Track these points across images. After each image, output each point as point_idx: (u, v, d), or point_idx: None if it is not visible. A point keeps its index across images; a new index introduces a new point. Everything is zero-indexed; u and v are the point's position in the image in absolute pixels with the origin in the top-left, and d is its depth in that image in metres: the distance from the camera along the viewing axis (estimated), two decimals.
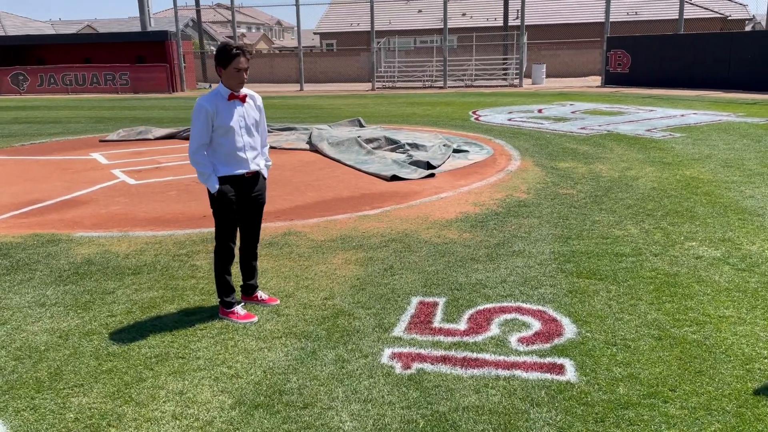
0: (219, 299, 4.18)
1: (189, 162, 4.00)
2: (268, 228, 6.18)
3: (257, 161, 4.13)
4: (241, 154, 4.01)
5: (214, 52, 3.93)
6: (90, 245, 5.73)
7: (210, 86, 34.91)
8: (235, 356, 3.61)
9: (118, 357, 3.61)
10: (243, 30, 66.34)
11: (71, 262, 5.26)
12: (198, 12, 38.41)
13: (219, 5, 60.61)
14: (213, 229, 6.12)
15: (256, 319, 4.08)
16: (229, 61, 3.83)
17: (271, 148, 11.46)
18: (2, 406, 3.13)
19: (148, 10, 34.04)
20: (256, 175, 4.15)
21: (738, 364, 3.34)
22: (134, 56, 31.10)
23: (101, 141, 12.98)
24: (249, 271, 4.37)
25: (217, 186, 3.94)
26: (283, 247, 5.57)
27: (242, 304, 4.24)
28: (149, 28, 33.23)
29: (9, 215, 6.98)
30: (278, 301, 4.36)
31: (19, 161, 10.80)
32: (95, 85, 30.77)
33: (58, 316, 4.18)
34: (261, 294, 4.40)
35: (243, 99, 4.00)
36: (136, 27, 41.79)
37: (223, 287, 4.13)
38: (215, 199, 4.00)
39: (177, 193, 7.93)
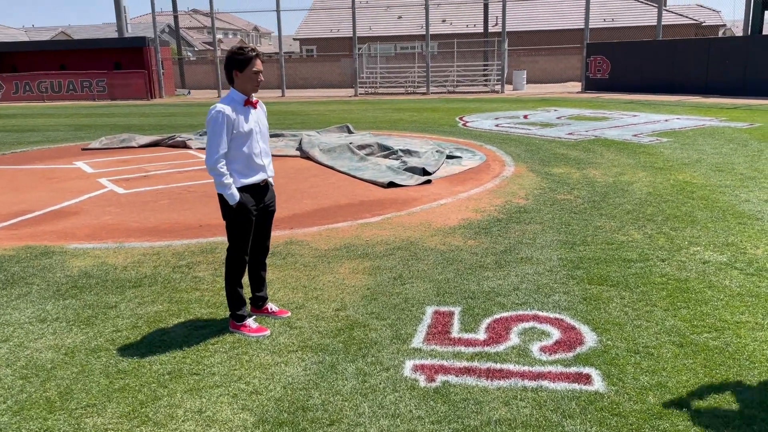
0: (230, 312, 4.06)
1: (207, 170, 3.83)
2: None
3: (271, 168, 4.05)
4: (258, 160, 3.91)
5: (227, 57, 3.80)
6: (85, 257, 5.56)
7: (189, 93, 34.56)
8: (251, 371, 3.49)
9: (129, 374, 3.48)
10: (220, 36, 65.86)
11: (68, 275, 5.09)
12: (176, 18, 38.07)
13: (195, 11, 60.11)
14: (212, 239, 6.04)
15: (268, 332, 3.97)
16: (246, 64, 3.74)
17: None
18: (15, 428, 2.98)
19: (125, 16, 33.63)
20: (267, 184, 4.06)
21: (764, 371, 3.33)
22: (111, 62, 30.65)
23: (84, 149, 12.71)
24: (259, 282, 4.26)
25: (238, 197, 3.81)
26: (287, 257, 5.47)
27: (254, 317, 4.12)
28: (126, 34, 32.81)
29: None
30: (289, 313, 4.26)
31: (1, 171, 10.51)
32: (71, 92, 30.25)
33: (61, 332, 4.02)
34: (271, 306, 4.29)
35: (255, 104, 3.92)
36: (111, 33, 41.29)
37: (235, 300, 4.01)
38: (234, 211, 3.86)
39: (169, 202, 7.77)
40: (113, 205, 7.65)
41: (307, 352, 3.70)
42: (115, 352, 3.75)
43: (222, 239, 6.02)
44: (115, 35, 34.46)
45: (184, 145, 12.56)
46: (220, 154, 3.74)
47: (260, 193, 3.97)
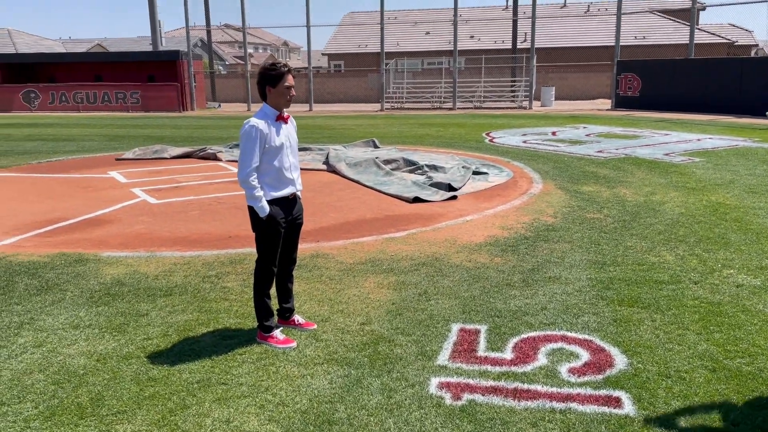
0: (257, 323, 4.10)
1: (239, 183, 3.91)
2: None
3: (299, 182, 4.11)
4: (288, 174, 3.99)
5: (259, 73, 3.88)
6: (118, 265, 5.66)
7: (219, 106, 35.09)
8: (278, 383, 3.52)
9: (159, 382, 3.52)
10: (251, 50, 66.90)
11: (101, 282, 5.20)
12: (208, 32, 38.76)
13: (227, 26, 61.16)
14: (241, 250, 6.11)
15: (295, 344, 4.00)
16: (279, 79, 3.82)
17: None
18: None
19: (160, 30, 34.36)
20: (296, 197, 4.12)
21: None
22: (145, 75, 31.30)
23: (117, 159, 12.98)
24: (286, 293, 4.30)
25: (268, 210, 3.87)
26: (313, 270, 5.50)
27: (281, 328, 4.15)
28: (160, 48, 33.51)
29: (33, 233, 6.93)
30: (315, 326, 4.28)
31: (38, 179, 10.79)
32: (106, 103, 30.93)
33: (93, 339, 4.10)
34: (298, 318, 4.32)
35: (287, 119, 3.99)
36: (146, 46, 42.21)
37: (263, 311, 4.05)
38: (264, 223, 3.92)
39: (199, 212, 7.89)
40: (146, 215, 7.79)
41: (332, 365, 3.71)
42: (145, 359, 3.81)
43: (251, 250, 6.08)
44: (150, 48, 35.20)
45: (214, 158, 12.75)
46: (253, 168, 3.81)
47: (289, 206, 4.03)
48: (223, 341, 4.05)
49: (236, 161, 12.35)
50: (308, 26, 30.74)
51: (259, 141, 3.80)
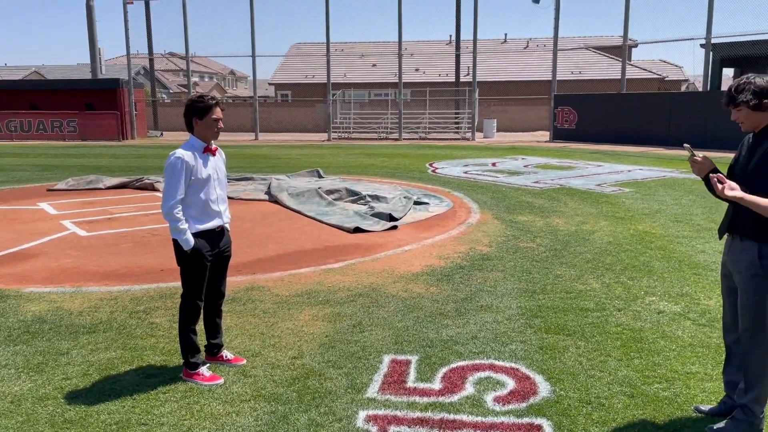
0: (183, 360, 4.00)
1: (162, 215, 3.86)
2: (229, 282, 6.00)
3: (227, 214, 4.08)
4: (215, 207, 3.96)
5: (187, 105, 3.87)
6: (41, 302, 5.44)
7: (161, 134, 34.50)
8: (201, 422, 3.43)
9: (75, 424, 3.38)
10: (196, 79, 66.31)
11: (21, 319, 4.98)
12: (151, 60, 38.30)
13: (172, 54, 60.52)
14: (172, 284, 5.97)
15: (222, 380, 3.92)
16: (206, 112, 3.81)
17: (229, 198, 11.31)
18: None
19: (100, 58, 33.72)
20: (224, 229, 4.08)
21: (711, 422, 3.38)
22: (83, 103, 30.52)
23: (49, 190, 12.55)
24: (214, 328, 4.22)
25: (192, 243, 3.82)
26: (247, 303, 5.43)
27: (207, 365, 4.06)
28: (100, 75, 32.84)
29: None
30: (245, 361, 4.21)
31: None
32: (41, 131, 29.94)
33: (9, 379, 3.91)
34: (226, 353, 4.24)
35: (214, 151, 3.97)
36: (85, 73, 41.28)
37: (189, 347, 3.96)
38: (189, 256, 3.86)
39: (132, 245, 7.68)
40: (74, 248, 7.54)
41: (260, 402, 3.65)
42: (62, 400, 3.66)
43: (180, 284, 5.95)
44: (89, 76, 34.43)
45: (152, 188, 12.48)
46: (177, 200, 3.77)
47: (215, 238, 3.99)
48: (147, 379, 3.93)
49: None
50: (253, 56, 30.78)
51: (185, 173, 3.77)
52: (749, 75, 3.18)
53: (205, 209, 3.90)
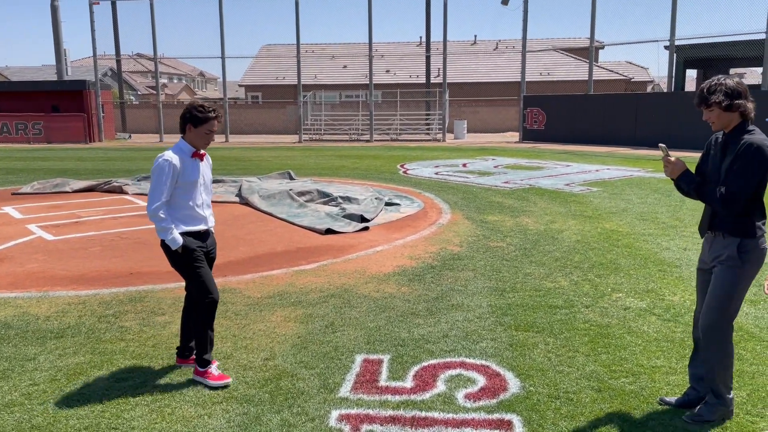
0: (196, 358, 3.95)
1: (148, 217, 3.84)
2: None
3: (212, 219, 4.09)
4: (200, 211, 3.96)
5: (186, 109, 3.84)
6: (6, 307, 5.33)
7: (129, 137, 33.98)
8: (172, 425, 3.41)
9: (43, 430, 3.34)
10: (164, 80, 65.46)
11: None
12: (118, 62, 37.65)
13: (140, 55, 59.61)
14: (142, 287, 5.91)
15: (230, 380, 3.89)
16: (202, 122, 3.81)
17: None
18: None
19: (66, 59, 33.08)
20: (208, 231, 4.07)
21: (676, 415, 3.48)
22: (49, 105, 29.89)
23: (14, 194, 12.27)
24: (190, 331, 4.18)
25: (180, 240, 3.80)
26: (218, 305, 5.38)
27: (216, 363, 4.03)
28: (66, 77, 32.21)
29: None
30: (217, 363, 4.18)
31: None
32: (5, 134, 29.22)
33: None
34: None
35: (203, 157, 3.96)
36: (50, 75, 40.44)
37: (205, 344, 3.93)
38: (181, 255, 3.85)
39: (100, 249, 7.57)
40: (40, 253, 7.40)
41: (231, 404, 3.64)
42: (29, 407, 3.60)
43: (152, 287, 5.91)
44: (55, 77, 33.75)
45: (120, 191, 12.30)
46: (162, 202, 3.78)
47: (202, 237, 4.00)
48: (117, 384, 3.89)
49: (144, 195, 11.97)
50: (223, 57, 30.50)
51: (172, 175, 3.77)
52: (719, 76, 3.30)
53: (191, 213, 3.90)
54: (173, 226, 3.82)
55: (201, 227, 3.97)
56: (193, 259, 3.89)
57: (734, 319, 3.36)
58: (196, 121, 3.82)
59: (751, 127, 3.25)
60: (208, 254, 4.07)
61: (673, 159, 3.38)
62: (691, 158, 3.64)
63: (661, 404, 3.58)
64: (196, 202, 3.92)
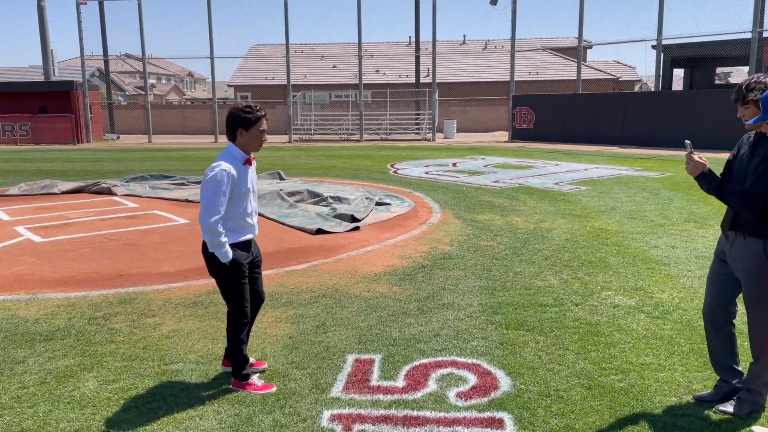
0: (234, 372, 3.88)
1: (202, 230, 3.68)
2: (191, 287, 5.98)
3: (257, 227, 4.00)
4: (250, 219, 3.86)
5: (233, 113, 3.69)
6: None
7: (117, 137, 33.77)
8: (164, 427, 3.40)
9: None
10: (153, 81, 65.12)
11: None
12: (106, 62, 37.44)
13: (128, 55, 59.22)
14: (132, 289, 5.89)
15: (275, 389, 3.83)
16: (254, 123, 3.68)
17: (188, 201, 11.17)
18: None
19: (53, 60, 32.83)
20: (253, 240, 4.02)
21: (666, 412, 3.51)
22: (36, 106, 29.66)
23: (1, 196, 12.17)
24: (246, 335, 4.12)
25: (231, 255, 3.70)
26: (209, 307, 5.38)
27: (258, 374, 3.98)
28: (53, 78, 31.97)
29: None
30: (266, 365, 4.13)
31: None
32: None
33: None
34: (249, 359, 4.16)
35: (252, 162, 3.85)
36: (38, 76, 40.08)
37: (242, 360, 3.86)
38: (228, 269, 3.74)
39: (89, 250, 7.53)
40: (28, 255, 7.35)
41: (223, 405, 3.64)
42: (19, 410, 3.58)
43: (142, 289, 5.88)
44: (42, 78, 33.47)
45: (109, 192, 12.23)
46: (221, 215, 3.63)
47: (247, 247, 3.90)
48: (107, 386, 3.88)
49: (132, 195, 11.92)
50: (212, 57, 30.39)
51: (230, 187, 3.63)
52: (759, 75, 3.29)
53: (242, 223, 3.79)
54: (227, 239, 3.70)
55: (249, 236, 3.87)
56: (238, 274, 3.79)
57: None
58: (247, 124, 3.67)
59: None
60: (254, 259, 3.99)
61: (696, 157, 3.37)
62: (678, 158, 3.67)
63: (696, 402, 3.59)
64: (247, 211, 3.80)
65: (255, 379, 3.89)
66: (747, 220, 3.30)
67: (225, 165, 3.63)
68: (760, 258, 3.26)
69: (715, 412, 3.46)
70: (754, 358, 3.45)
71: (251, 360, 4.10)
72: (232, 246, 3.75)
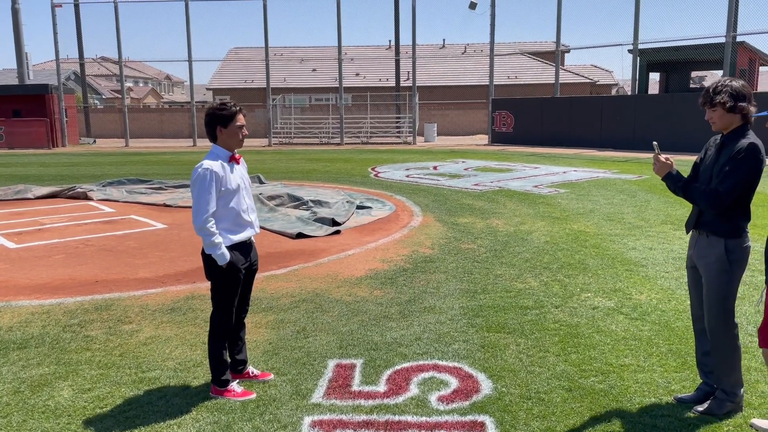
0: (212, 378, 3.82)
1: (195, 231, 3.64)
2: (169, 292, 5.90)
3: (257, 223, 3.96)
4: (246, 216, 3.82)
5: (209, 113, 3.69)
6: None
7: (94, 141, 33.34)
8: None
9: None
10: (130, 84, 64.39)
11: None
12: (82, 65, 37.00)
13: (104, 58, 58.50)
14: (107, 296, 5.79)
15: (254, 395, 3.77)
16: (230, 119, 3.67)
17: (166, 206, 11.04)
18: None
19: (27, 63, 32.30)
20: (251, 241, 3.97)
21: (644, 412, 3.53)
22: (10, 110, 29.16)
23: None
24: (238, 344, 4.04)
25: (228, 257, 3.66)
26: (187, 313, 5.31)
27: (237, 380, 3.91)
28: (28, 81, 31.46)
29: None
30: (272, 376, 4.06)
31: None
32: None
33: None
34: (252, 370, 4.08)
35: (238, 160, 3.84)
36: (12, 79, 39.46)
37: (220, 364, 3.79)
38: (223, 272, 3.69)
39: (64, 256, 7.40)
40: (2, 261, 7.20)
41: (201, 413, 3.58)
42: None
43: (118, 295, 5.79)
44: (16, 82, 32.91)
45: (84, 197, 12.04)
46: (210, 214, 3.60)
47: (246, 250, 3.86)
48: (83, 394, 3.80)
49: (109, 200, 11.75)
50: (190, 60, 30.15)
51: (217, 186, 3.60)
52: (726, 78, 3.38)
53: (238, 220, 3.75)
54: (222, 240, 3.66)
55: (248, 234, 3.84)
56: (232, 280, 3.75)
57: (734, 317, 3.45)
58: (224, 120, 3.67)
59: (749, 131, 3.32)
60: (252, 266, 3.95)
61: (663, 158, 3.44)
62: (650, 160, 3.71)
63: (677, 403, 3.61)
64: (242, 208, 3.77)
65: (234, 385, 3.84)
66: (710, 219, 3.38)
67: (207, 163, 3.64)
68: (721, 257, 3.34)
69: (693, 413, 3.50)
70: (711, 357, 3.52)
71: (255, 372, 4.06)
72: (231, 248, 3.72)
